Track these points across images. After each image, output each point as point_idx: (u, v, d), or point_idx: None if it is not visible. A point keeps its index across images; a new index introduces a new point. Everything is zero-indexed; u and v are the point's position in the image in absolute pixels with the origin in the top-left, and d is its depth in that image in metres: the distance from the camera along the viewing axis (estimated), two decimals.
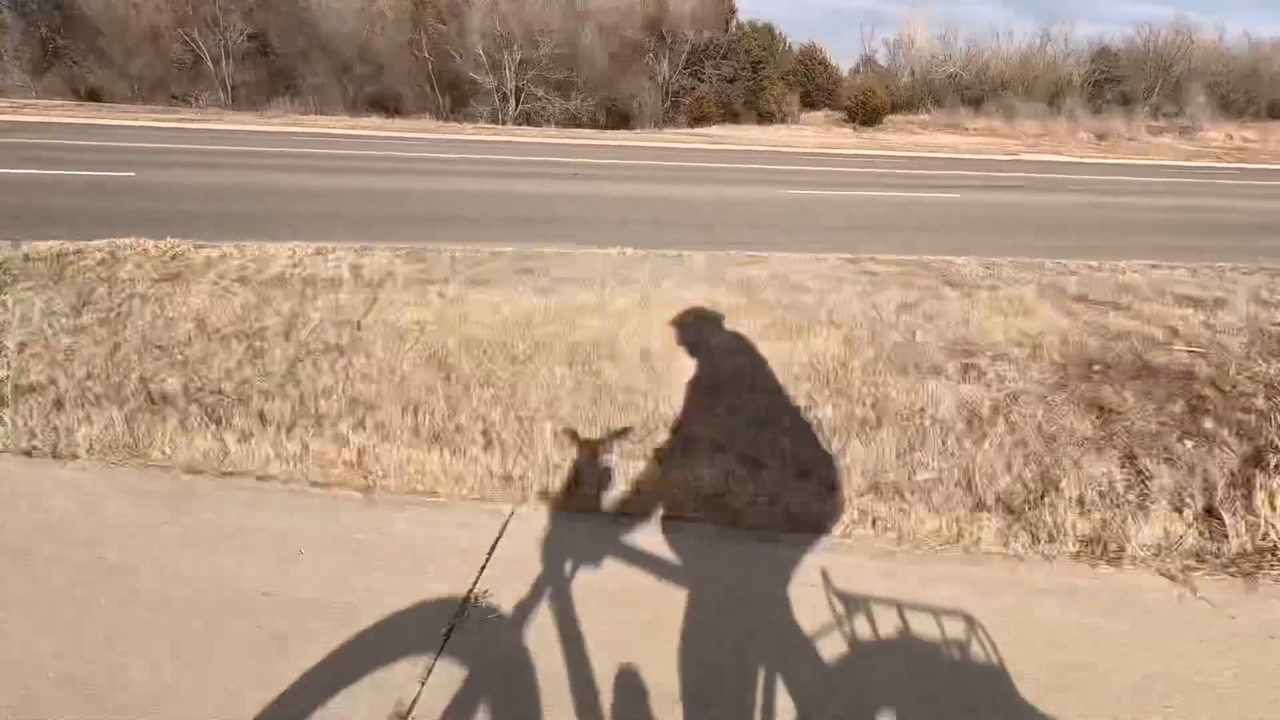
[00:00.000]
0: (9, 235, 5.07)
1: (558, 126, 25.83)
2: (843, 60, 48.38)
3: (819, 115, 38.20)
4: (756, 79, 41.77)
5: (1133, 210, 10.55)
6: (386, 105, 26.45)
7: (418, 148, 14.88)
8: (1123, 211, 10.37)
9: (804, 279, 4.80)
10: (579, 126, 26.67)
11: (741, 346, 3.41)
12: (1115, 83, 44.70)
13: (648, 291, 4.30)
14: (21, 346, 3.11)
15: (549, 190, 9.74)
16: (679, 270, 4.97)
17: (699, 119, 34.74)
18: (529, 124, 25.94)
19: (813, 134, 30.03)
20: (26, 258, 4.54)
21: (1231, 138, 33.98)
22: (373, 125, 19.74)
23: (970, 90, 45.21)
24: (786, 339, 3.58)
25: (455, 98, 27.08)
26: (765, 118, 37.45)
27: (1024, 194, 11.89)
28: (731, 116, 37.47)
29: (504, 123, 26.01)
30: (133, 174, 8.74)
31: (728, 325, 3.74)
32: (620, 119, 32.04)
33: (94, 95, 26.92)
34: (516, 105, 26.07)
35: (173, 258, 4.68)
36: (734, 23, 41.42)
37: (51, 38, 27.56)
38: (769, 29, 44.49)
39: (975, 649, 1.56)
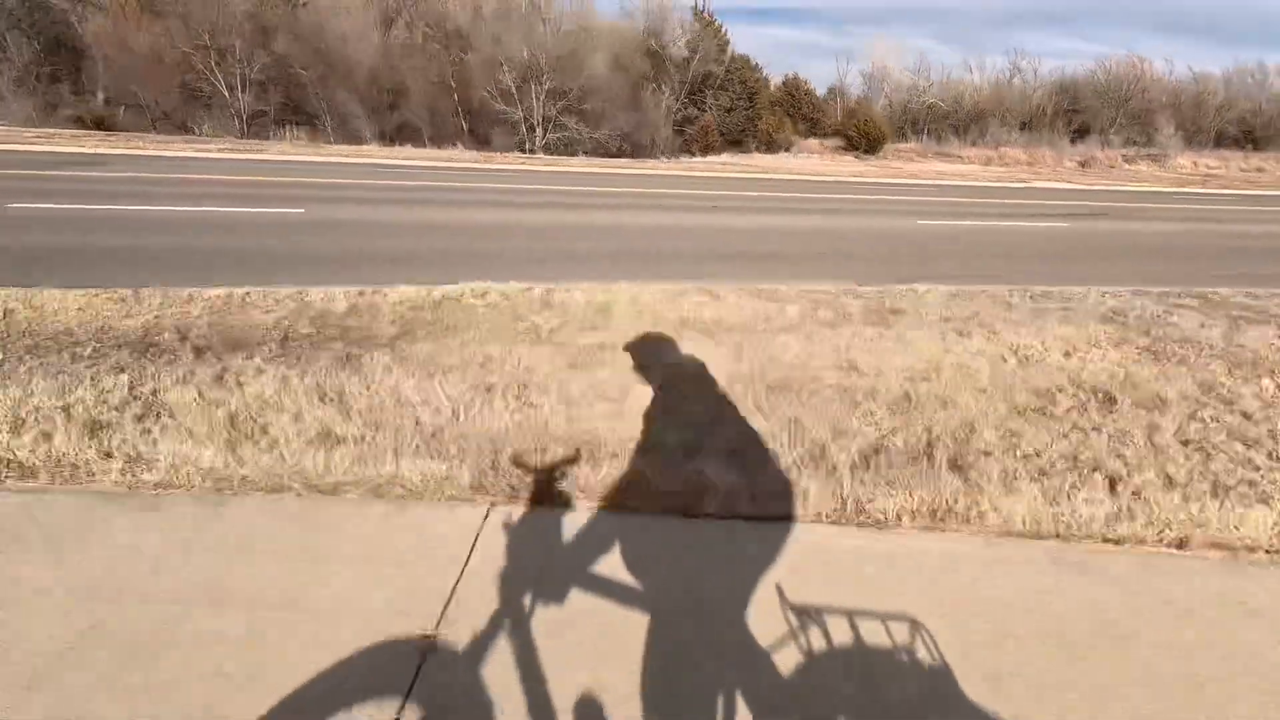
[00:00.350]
0: (301, 280, 4.86)
1: (586, 156, 25.96)
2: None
3: (813, 143, 39.43)
4: (753, 108, 42.98)
5: (1238, 238, 11.20)
6: (408, 135, 26.17)
7: (505, 179, 14.74)
8: (1235, 239, 10.99)
9: (1156, 313, 4.97)
10: (607, 156, 26.85)
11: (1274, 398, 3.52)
12: (1078, 113, 47.45)
13: (1061, 332, 4.39)
14: (645, 412, 2.98)
15: (710, 223, 9.79)
16: (1014, 308, 5.08)
17: (705, 148, 35.42)
18: (559, 154, 26.01)
19: (823, 162, 30.93)
20: (408, 304, 4.35)
21: (1196, 165, 36.50)
22: (422, 156, 19.48)
23: (948, 120, 47.43)
24: (1270, 375, 3.71)
25: (479, 127, 26.99)
26: (767, 146, 38.47)
27: (1124, 222, 12.51)
28: (732, 145, 38.36)
29: (531, 152, 25.99)
30: (302, 210, 8.42)
31: (1202, 372, 3.85)
32: (634, 148, 32.41)
33: (98, 124, 25.84)
34: (544, 135, 26.10)
35: (545, 304, 4.55)
36: (728, 54, 42.49)
37: (46, 65, 26.51)
38: (746, 60, 45.92)
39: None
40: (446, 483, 2.33)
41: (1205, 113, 47.57)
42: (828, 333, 4.16)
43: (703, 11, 41.22)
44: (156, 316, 3.95)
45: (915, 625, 1.73)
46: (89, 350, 3.40)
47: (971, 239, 9.57)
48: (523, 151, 25.34)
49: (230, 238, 6.77)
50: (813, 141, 39.43)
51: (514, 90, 25.30)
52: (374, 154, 19.12)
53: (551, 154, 25.95)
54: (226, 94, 26.00)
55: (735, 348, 3.80)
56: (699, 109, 38.81)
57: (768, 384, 3.27)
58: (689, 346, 3.77)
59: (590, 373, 3.37)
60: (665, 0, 36.58)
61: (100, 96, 27.68)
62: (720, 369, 3.43)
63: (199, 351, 3.44)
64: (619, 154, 28.48)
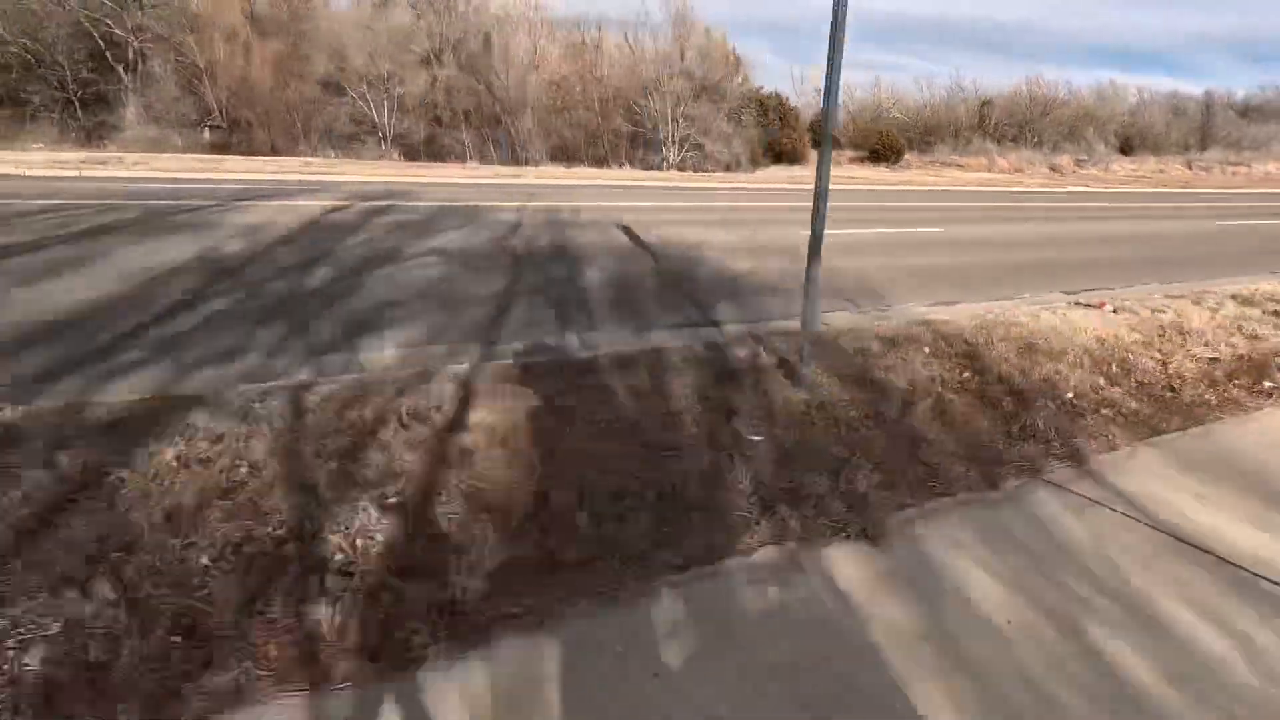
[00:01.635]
0: None
1: (712, 172, 28.98)
2: None
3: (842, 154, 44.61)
4: (768, 123, 47.41)
5: None
6: (554, 156, 27.79)
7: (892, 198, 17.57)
8: None
9: None
10: (724, 172, 29.95)
11: None
12: (1009, 126, 56.40)
13: None
14: None
15: (1103, 230, 13.35)
16: None
17: (771, 160, 39.20)
18: (690, 170, 28.74)
19: (876, 171, 35.83)
20: None
21: (1121, 169, 45.78)
22: (678, 178, 21.79)
23: (908, 133, 54.55)
24: None
25: (613, 148, 29.07)
26: (789, 160, 42.94)
27: None
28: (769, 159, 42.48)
29: (665, 169, 28.57)
30: (941, 229, 11.18)
31: None
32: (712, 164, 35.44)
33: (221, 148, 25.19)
34: (678, 153, 28.78)
35: None
36: (741, 73, 46.58)
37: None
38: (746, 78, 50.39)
39: None
40: None
41: (1096, 124, 58.33)
42: None
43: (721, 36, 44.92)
44: None
45: None
46: None
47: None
48: (657, 169, 27.89)
49: (1015, 253, 9.57)
50: (851, 152, 44.65)
51: (658, 114, 27.76)
52: (582, 174, 21.23)
53: (684, 170, 28.69)
54: (376, 118, 26.26)
55: None
56: (739, 125, 42.52)
57: None
58: None
59: None
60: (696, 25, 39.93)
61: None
62: None
63: None
64: (728, 169, 31.64)
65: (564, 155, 27.47)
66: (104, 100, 30.18)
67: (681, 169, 28.96)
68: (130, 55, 27.92)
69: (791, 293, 6.22)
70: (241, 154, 23.51)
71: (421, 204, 11.36)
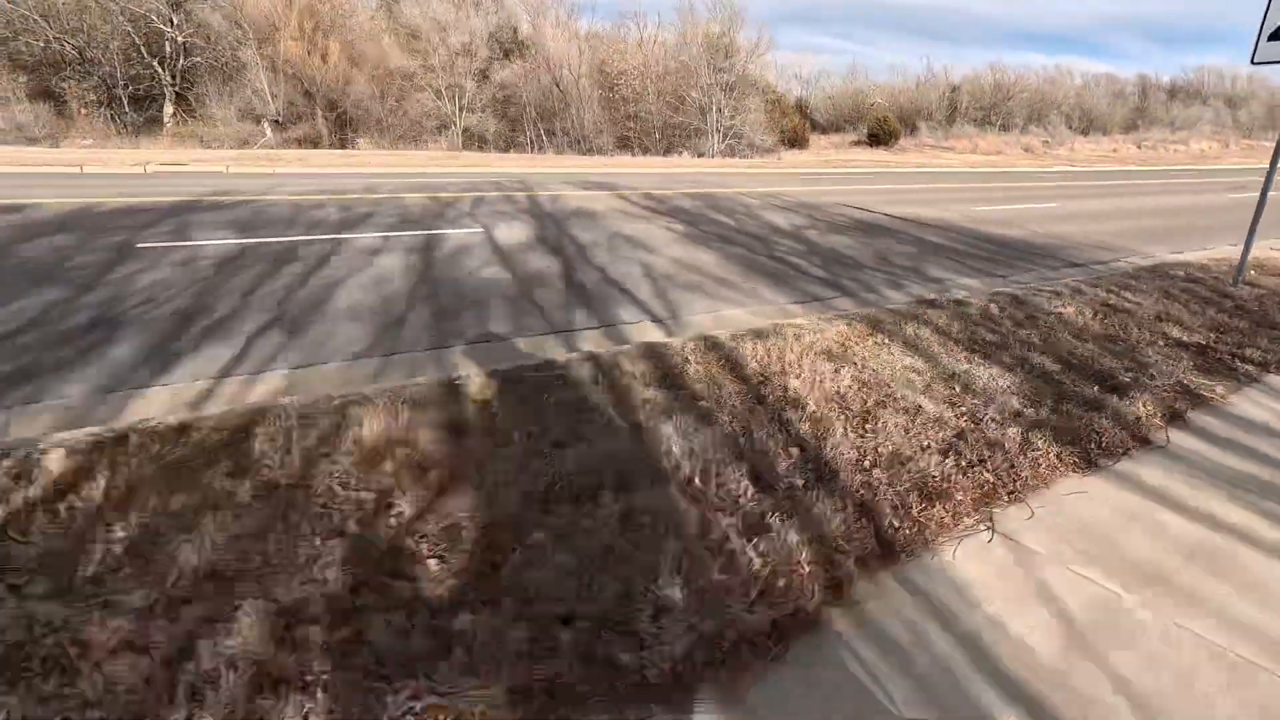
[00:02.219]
0: None
1: (759, 156, 31.48)
2: None
3: (825, 139, 47.72)
4: (769, 109, 49.95)
5: None
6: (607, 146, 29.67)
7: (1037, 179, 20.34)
8: None
9: None
10: (764, 156, 32.47)
11: None
12: (979, 109, 60.73)
13: None
14: None
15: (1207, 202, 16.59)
16: None
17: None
18: (737, 157, 31.15)
19: (874, 154, 39.04)
20: None
21: (1084, 148, 50.62)
22: (678, 163, 24.00)
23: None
24: None
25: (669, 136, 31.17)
26: (793, 144, 45.74)
27: None
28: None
29: (714, 156, 30.92)
30: (1055, 205, 13.98)
31: None
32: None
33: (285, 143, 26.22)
34: (722, 141, 31.14)
35: None
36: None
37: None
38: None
39: None
40: None
41: (1055, 107, 63.31)
42: None
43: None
44: None
45: None
46: None
47: None
48: (709, 157, 30.24)
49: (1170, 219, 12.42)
50: (825, 138, 47.73)
51: (704, 107, 30.04)
52: (719, 164, 23.34)
53: (729, 157, 31.10)
54: (450, 111, 27.64)
55: None
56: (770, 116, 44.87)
57: None
58: None
59: None
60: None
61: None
62: None
63: None
64: (763, 155, 34.17)
65: (625, 146, 29.49)
66: (152, 97, 30.53)
67: (728, 156, 31.41)
68: (174, 51, 28.33)
69: (1055, 249, 8.82)
70: (304, 148, 24.65)
71: (666, 194, 13.36)
